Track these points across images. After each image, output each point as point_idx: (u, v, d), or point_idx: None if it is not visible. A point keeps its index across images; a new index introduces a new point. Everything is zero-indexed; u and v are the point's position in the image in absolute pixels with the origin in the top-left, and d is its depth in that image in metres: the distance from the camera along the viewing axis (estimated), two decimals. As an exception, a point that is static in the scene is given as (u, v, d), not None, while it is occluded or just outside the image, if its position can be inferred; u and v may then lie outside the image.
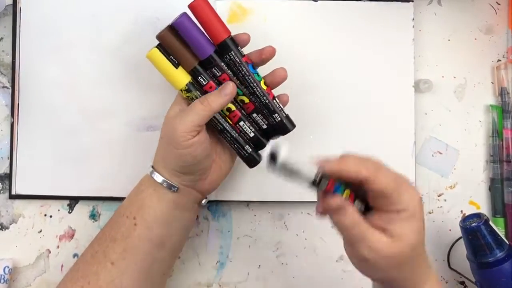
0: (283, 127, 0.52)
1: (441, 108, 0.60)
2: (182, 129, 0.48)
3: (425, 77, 0.60)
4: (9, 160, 0.59)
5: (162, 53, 0.49)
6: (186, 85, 0.50)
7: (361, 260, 0.43)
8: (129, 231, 0.49)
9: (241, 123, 0.52)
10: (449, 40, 0.61)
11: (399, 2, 0.59)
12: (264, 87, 0.51)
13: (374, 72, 0.59)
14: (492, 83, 0.61)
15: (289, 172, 0.42)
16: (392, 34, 0.59)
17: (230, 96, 0.49)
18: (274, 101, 0.52)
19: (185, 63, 0.50)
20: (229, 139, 0.52)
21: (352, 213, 0.43)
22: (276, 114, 0.52)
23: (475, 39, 0.61)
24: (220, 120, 0.51)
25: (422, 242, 0.44)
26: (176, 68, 0.50)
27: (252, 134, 0.52)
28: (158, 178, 0.50)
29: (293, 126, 0.53)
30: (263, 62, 0.52)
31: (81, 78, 0.58)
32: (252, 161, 0.53)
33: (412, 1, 0.59)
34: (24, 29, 0.58)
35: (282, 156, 0.42)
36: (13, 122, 0.58)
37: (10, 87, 0.59)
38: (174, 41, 0.49)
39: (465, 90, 0.61)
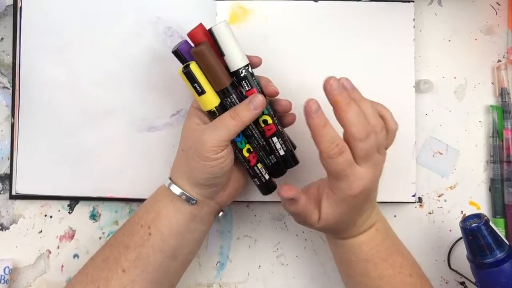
0: (277, 167, 0.54)
1: (442, 109, 0.60)
2: (212, 143, 0.47)
3: (425, 78, 0.60)
4: (9, 161, 0.59)
5: (188, 79, 0.48)
6: (209, 111, 0.50)
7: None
8: (143, 240, 0.49)
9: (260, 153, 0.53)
10: (449, 40, 0.61)
11: (400, 3, 0.59)
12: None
13: (375, 73, 0.59)
14: (492, 83, 0.61)
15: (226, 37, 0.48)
16: (392, 35, 0.59)
17: (260, 110, 0.49)
18: (270, 140, 0.52)
19: (218, 82, 0.49)
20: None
21: (302, 203, 0.49)
22: (272, 156, 0.53)
23: (476, 39, 0.61)
24: (239, 156, 0.52)
25: (347, 218, 0.49)
26: (199, 96, 0.49)
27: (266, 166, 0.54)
28: (176, 190, 0.50)
29: (283, 171, 0.54)
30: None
31: (81, 78, 0.58)
32: (265, 190, 0.55)
33: (413, 2, 0.59)
34: (24, 30, 0.58)
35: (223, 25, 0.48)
36: (13, 123, 0.58)
37: (11, 88, 0.59)
38: (210, 57, 0.48)
39: (466, 90, 0.61)
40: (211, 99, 0.49)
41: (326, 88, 0.46)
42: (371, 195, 0.49)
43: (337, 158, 0.45)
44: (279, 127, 0.52)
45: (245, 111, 0.48)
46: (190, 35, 0.49)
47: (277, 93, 0.51)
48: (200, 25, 0.49)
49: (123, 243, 0.50)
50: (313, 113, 0.45)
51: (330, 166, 0.46)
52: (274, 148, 0.52)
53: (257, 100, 0.49)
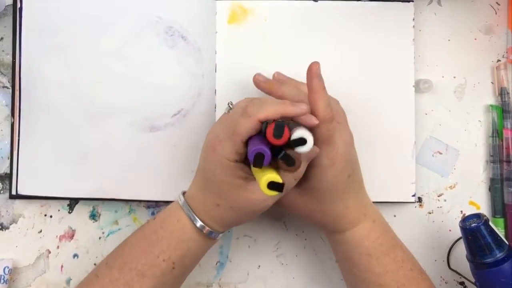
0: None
1: (441, 108, 0.60)
2: (265, 205, 0.49)
3: (425, 77, 0.60)
4: (9, 160, 0.59)
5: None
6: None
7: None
8: (164, 272, 0.49)
9: None
10: (449, 40, 0.61)
11: (399, 2, 0.59)
12: None
13: (374, 72, 0.59)
14: (492, 83, 0.61)
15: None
16: (392, 34, 0.59)
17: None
18: None
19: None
20: None
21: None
22: None
23: (475, 39, 0.61)
24: None
25: (339, 181, 0.49)
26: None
27: None
28: (211, 234, 0.50)
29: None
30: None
31: (82, 78, 0.58)
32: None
33: (412, 1, 0.59)
34: (24, 29, 0.58)
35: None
36: (13, 122, 0.58)
37: (11, 87, 0.59)
38: None
39: (465, 90, 0.61)
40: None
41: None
42: (348, 165, 0.50)
43: (330, 123, 0.47)
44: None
45: (293, 181, 0.48)
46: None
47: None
48: (286, 131, 0.44)
49: (137, 270, 0.48)
50: (318, 75, 0.48)
51: (322, 130, 0.47)
52: None
53: (299, 175, 0.48)
